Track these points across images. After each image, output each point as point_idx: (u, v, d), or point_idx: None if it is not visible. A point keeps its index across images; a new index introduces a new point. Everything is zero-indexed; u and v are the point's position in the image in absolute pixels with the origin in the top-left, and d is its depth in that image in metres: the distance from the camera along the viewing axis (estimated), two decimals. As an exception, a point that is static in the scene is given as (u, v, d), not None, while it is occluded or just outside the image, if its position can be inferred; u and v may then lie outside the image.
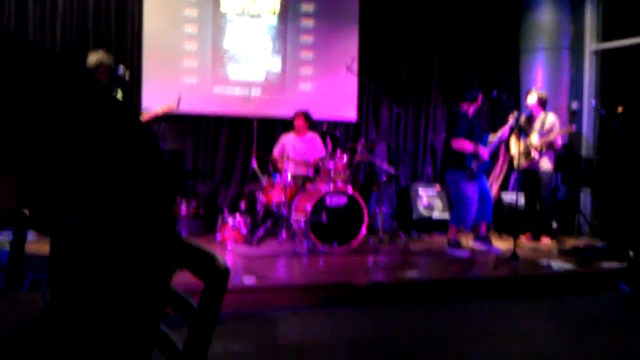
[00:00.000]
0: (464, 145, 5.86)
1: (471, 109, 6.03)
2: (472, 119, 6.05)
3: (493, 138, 6.14)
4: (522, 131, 6.55)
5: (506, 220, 7.04)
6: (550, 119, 6.69)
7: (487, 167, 6.23)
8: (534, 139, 6.61)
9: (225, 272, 1.33)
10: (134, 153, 1.36)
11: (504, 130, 6.15)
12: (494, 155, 7.16)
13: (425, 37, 8.06)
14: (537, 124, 6.71)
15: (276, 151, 6.86)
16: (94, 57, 5.22)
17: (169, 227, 1.36)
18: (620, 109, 7.96)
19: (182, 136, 6.59)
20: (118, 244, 1.30)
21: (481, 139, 5.99)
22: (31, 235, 6.14)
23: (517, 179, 6.05)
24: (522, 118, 6.87)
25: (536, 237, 6.75)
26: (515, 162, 6.68)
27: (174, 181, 6.82)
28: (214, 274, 1.34)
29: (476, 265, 5.48)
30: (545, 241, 6.67)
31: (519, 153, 6.06)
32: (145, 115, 5.72)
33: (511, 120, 6.10)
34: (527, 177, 6.69)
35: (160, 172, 1.41)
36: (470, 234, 6.37)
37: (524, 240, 6.68)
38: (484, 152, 5.92)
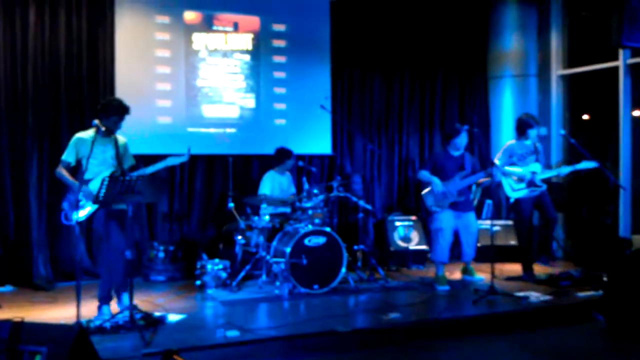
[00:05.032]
0: (421, 177, 6.29)
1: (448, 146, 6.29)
2: (441, 155, 6.35)
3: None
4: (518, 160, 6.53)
5: (482, 250, 7.11)
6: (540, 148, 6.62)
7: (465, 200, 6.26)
8: (537, 168, 6.41)
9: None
10: None
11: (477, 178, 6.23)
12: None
13: (395, 66, 8.20)
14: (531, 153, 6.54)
15: (267, 190, 6.67)
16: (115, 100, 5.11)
17: None
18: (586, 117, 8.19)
19: (157, 188, 6.56)
20: None
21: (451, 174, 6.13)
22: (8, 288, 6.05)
23: (512, 207, 6.15)
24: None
25: (546, 262, 7.12)
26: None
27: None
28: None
29: (456, 302, 5.56)
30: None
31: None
32: (151, 168, 5.01)
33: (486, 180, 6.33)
34: (526, 206, 6.49)
35: None
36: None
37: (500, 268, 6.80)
38: (436, 186, 6.08)
